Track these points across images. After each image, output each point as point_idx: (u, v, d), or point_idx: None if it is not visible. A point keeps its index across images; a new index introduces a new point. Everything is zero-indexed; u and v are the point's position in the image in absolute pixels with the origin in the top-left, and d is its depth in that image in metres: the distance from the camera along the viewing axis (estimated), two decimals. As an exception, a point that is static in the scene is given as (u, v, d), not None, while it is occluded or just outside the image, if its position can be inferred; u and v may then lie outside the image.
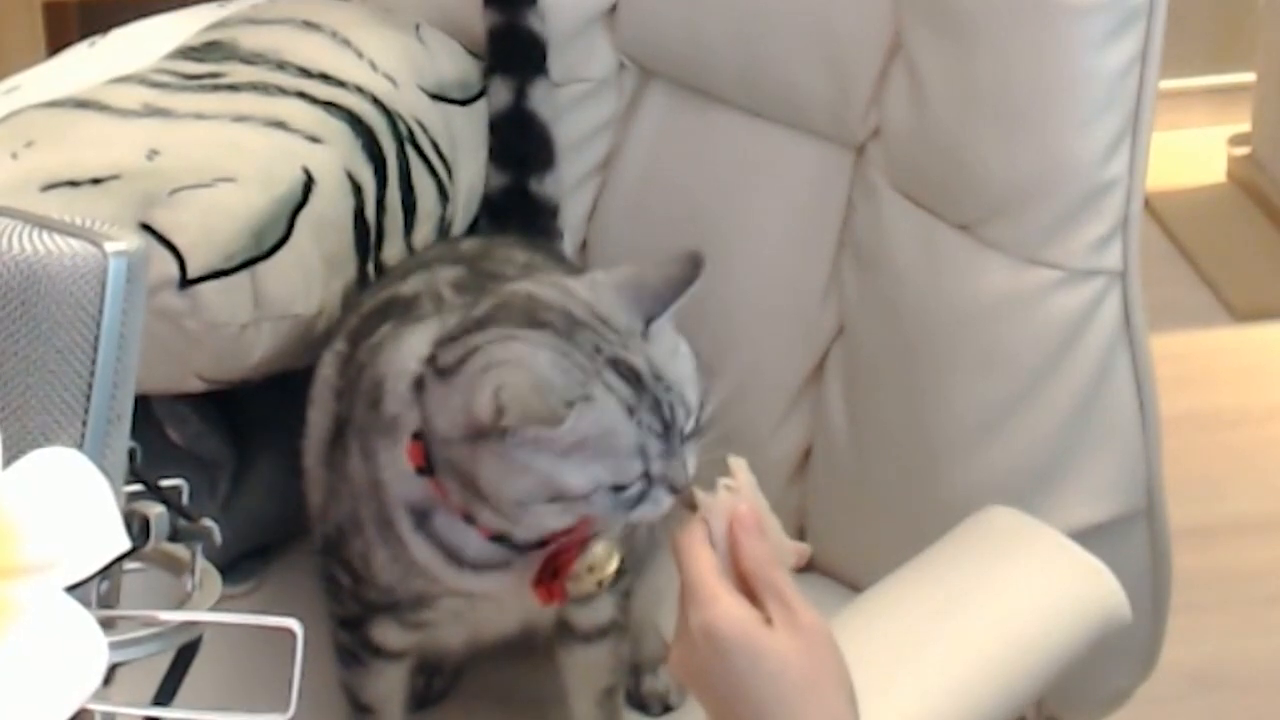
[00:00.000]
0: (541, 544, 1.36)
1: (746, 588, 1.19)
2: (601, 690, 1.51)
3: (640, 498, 1.28)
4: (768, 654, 1.14)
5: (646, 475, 1.27)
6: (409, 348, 1.39)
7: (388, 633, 1.47)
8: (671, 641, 1.21)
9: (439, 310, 1.43)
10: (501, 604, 1.43)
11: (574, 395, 1.25)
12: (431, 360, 1.34)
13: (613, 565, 1.36)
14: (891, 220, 1.66)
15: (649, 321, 1.30)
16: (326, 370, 1.51)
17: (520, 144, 1.77)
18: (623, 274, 1.33)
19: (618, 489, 1.27)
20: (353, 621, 1.48)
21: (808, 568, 1.76)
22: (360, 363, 1.45)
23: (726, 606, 1.16)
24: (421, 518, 1.37)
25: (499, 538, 1.35)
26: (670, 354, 1.30)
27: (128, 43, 1.84)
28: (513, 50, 1.77)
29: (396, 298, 1.50)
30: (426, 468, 1.34)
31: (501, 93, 1.77)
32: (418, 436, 1.34)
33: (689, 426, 1.29)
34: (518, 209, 1.76)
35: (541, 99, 1.76)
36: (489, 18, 1.77)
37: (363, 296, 1.57)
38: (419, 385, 1.34)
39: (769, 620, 1.16)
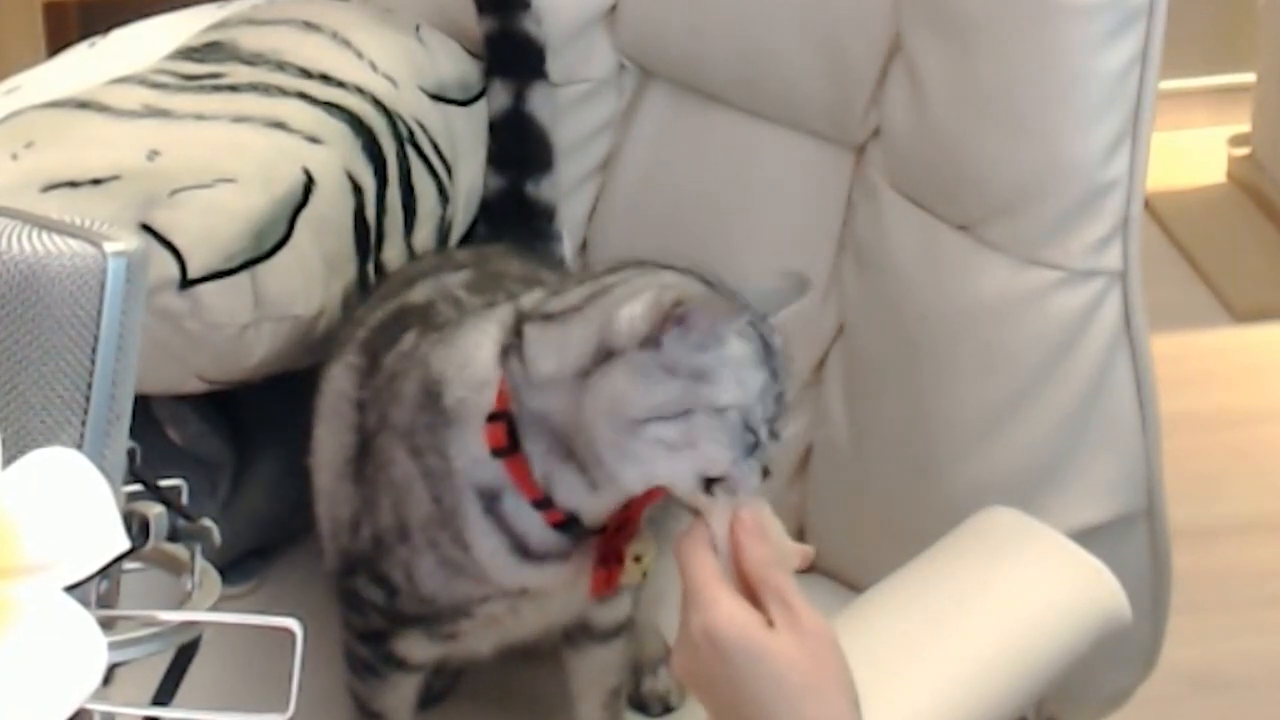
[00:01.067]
0: (599, 532, 1.37)
1: (749, 591, 1.19)
2: (609, 691, 1.51)
3: (752, 450, 1.27)
4: (769, 656, 1.14)
5: (758, 436, 1.27)
6: (470, 342, 1.39)
7: (414, 646, 1.46)
8: (674, 644, 1.21)
9: (461, 312, 1.44)
10: (543, 604, 1.42)
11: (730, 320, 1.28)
12: (531, 314, 1.35)
13: (653, 556, 1.36)
14: (892, 220, 1.66)
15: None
16: (340, 384, 1.49)
17: (518, 147, 1.77)
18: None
19: (745, 428, 1.27)
20: (375, 635, 1.47)
21: (808, 568, 1.76)
22: (391, 371, 1.44)
23: (728, 609, 1.16)
24: (490, 502, 1.36)
25: (563, 525, 1.35)
26: (783, 357, 1.32)
27: (128, 43, 1.84)
28: (510, 54, 1.77)
29: (407, 306, 1.50)
30: (505, 449, 1.34)
31: (500, 96, 1.77)
32: (493, 418, 1.35)
33: (784, 415, 1.30)
34: (514, 212, 1.76)
35: (540, 103, 1.76)
36: (484, 24, 1.77)
37: (365, 309, 1.56)
38: (506, 353, 1.35)
39: (771, 622, 1.16)
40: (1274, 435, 2.90)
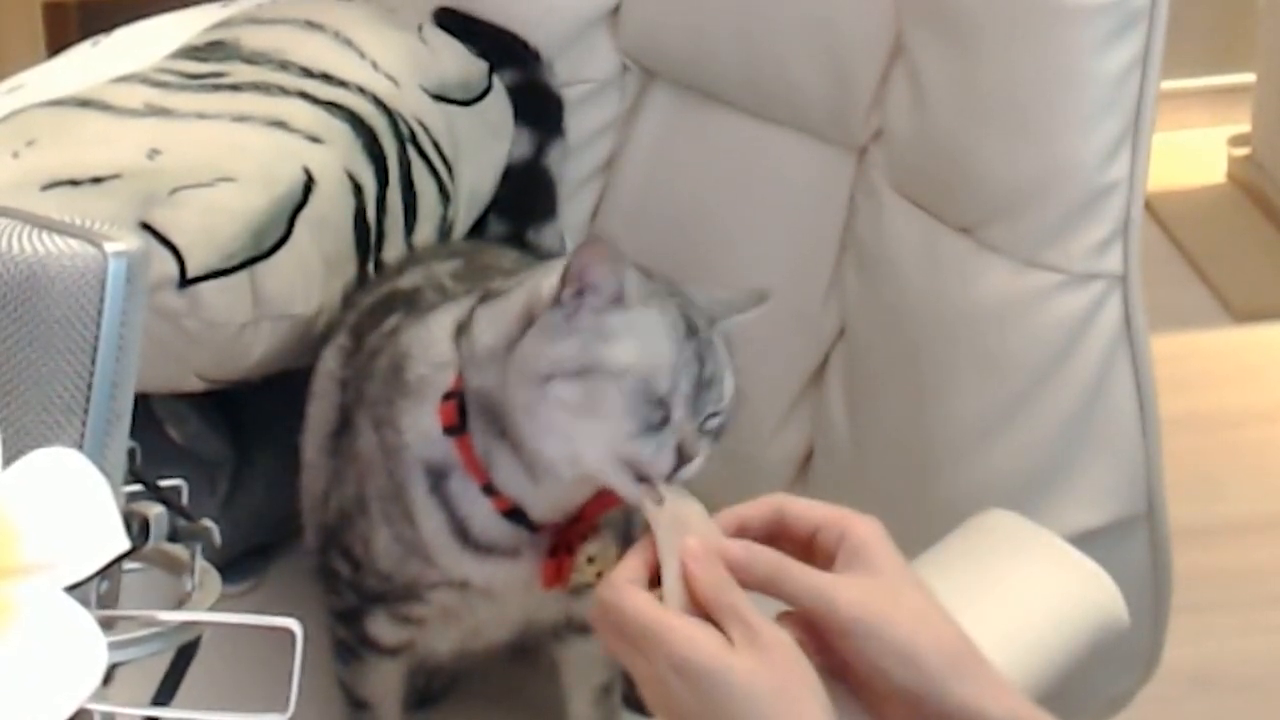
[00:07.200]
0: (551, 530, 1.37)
1: (705, 617, 1.18)
2: (598, 687, 1.52)
3: (659, 427, 1.27)
4: (736, 673, 1.14)
5: (668, 412, 1.28)
6: (436, 323, 1.42)
7: (382, 627, 1.48)
8: (640, 686, 1.20)
9: (445, 299, 1.47)
10: (497, 605, 1.43)
11: (641, 292, 1.30)
12: (482, 297, 1.39)
13: (611, 559, 1.36)
14: (893, 222, 1.66)
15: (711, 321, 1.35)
16: (329, 364, 1.53)
17: (528, 197, 1.81)
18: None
19: (647, 399, 1.28)
20: (350, 615, 1.49)
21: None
22: (372, 349, 1.47)
23: (686, 634, 1.15)
24: (437, 480, 1.38)
25: (511, 514, 1.37)
26: (722, 353, 1.33)
27: (131, 42, 1.84)
28: (535, 106, 1.81)
29: (396, 292, 1.54)
30: (456, 428, 1.36)
31: (524, 145, 1.81)
32: (448, 398, 1.37)
33: (714, 409, 1.30)
34: None
35: (557, 159, 1.82)
36: (505, 77, 1.81)
37: (360, 294, 1.59)
38: (460, 331, 1.38)
39: (730, 642, 1.15)
40: (1274, 435, 2.90)
